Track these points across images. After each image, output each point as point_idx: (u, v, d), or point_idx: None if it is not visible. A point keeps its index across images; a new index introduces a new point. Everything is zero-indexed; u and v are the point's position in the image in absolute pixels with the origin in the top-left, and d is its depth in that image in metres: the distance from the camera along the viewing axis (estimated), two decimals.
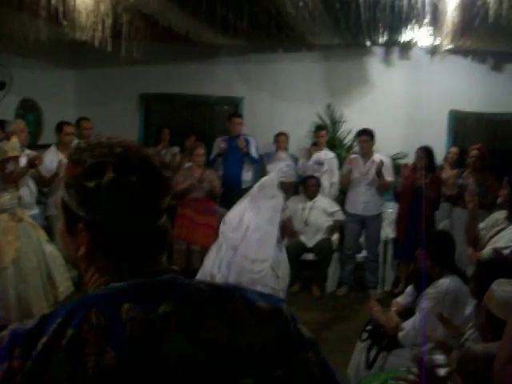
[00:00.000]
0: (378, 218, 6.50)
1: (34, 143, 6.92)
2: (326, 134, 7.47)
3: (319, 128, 7.51)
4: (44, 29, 5.47)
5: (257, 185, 5.09)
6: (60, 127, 6.02)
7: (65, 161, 5.76)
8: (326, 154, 7.26)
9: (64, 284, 5.04)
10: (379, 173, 6.15)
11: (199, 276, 4.81)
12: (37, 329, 0.97)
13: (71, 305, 1.01)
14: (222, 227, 4.95)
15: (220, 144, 7.10)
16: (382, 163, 6.16)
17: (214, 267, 4.74)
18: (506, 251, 3.46)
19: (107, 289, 1.03)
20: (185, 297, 1.03)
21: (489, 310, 2.40)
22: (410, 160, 6.93)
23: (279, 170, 6.61)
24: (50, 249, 5.03)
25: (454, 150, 7.10)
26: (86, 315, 0.97)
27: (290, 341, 1.06)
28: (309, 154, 7.36)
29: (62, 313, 0.99)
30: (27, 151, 5.61)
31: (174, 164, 7.21)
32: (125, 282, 1.02)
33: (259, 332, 1.03)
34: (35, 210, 5.64)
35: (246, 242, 4.70)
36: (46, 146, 6.27)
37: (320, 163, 7.14)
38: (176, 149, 7.62)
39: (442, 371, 2.50)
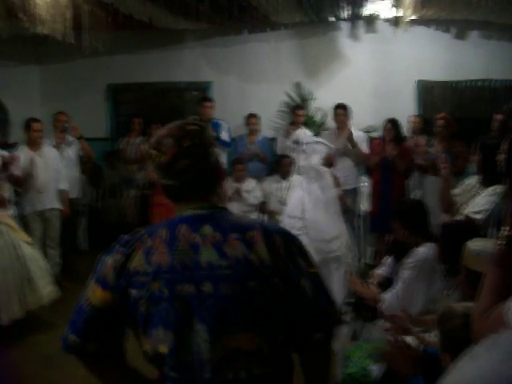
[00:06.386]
0: (354, 192, 6.56)
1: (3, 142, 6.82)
2: (304, 114, 7.41)
3: (297, 107, 7.43)
4: (3, 25, 5.37)
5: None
6: (28, 124, 5.91)
7: (35, 158, 5.69)
8: (306, 133, 7.17)
9: (46, 288, 4.93)
10: (351, 140, 6.16)
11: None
12: (131, 237, 1.57)
13: (154, 225, 1.62)
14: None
15: None
16: (350, 131, 6.21)
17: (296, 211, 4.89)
18: (480, 215, 3.51)
19: (175, 217, 1.60)
20: (219, 224, 1.55)
21: (466, 267, 2.46)
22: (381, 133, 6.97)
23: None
24: (29, 251, 4.91)
25: (413, 118, 7.01)
26: (159, 231, 1.56)
27: (290, 261, 1.53)
28: (287, 133, 7.25)
29: (148, 231, 1.58)
30: (0, 152, 5.53)
31: (142, 153, 7.14)
32: (185, 213, 1.59)
33: (266, 252, 1.51)
34: (11, 211, 5.54)
35: (315, 226, 4.81)
36: (15, 145, 6.19)
37: (298, 142, 7.06)
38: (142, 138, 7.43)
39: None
